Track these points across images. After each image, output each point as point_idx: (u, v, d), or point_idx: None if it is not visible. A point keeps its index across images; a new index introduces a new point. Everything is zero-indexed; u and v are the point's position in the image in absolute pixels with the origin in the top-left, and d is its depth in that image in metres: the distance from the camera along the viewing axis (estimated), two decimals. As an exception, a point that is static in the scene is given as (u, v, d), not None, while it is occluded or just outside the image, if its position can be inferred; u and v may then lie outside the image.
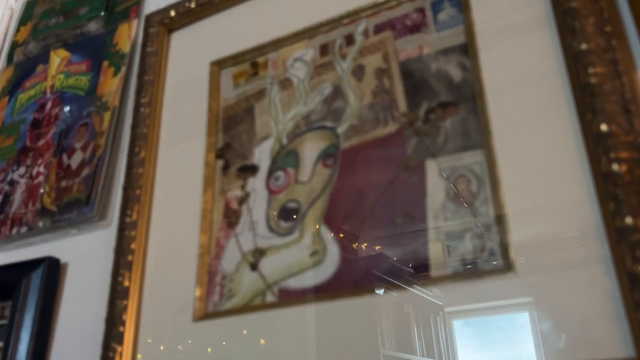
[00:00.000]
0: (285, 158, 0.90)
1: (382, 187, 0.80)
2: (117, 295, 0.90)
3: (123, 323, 0.88)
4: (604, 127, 0.64)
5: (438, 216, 0.74)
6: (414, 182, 0.78)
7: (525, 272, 0.65)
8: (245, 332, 0.80)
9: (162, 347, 0.86)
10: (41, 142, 1.25)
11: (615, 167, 0.62)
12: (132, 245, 0.94)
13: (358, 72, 0.89)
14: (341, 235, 0.80)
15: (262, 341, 0.78)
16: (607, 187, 0.62)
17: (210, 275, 0.87)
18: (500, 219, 0.69)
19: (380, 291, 0.72)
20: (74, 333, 0.97)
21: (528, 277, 0.65)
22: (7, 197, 1.21)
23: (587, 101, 0.66)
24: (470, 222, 0.71)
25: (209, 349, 0.82)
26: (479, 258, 0.69)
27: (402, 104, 0.83)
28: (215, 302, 0.85)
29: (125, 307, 0.89)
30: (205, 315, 0.85)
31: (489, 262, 0.68)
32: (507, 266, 0.66)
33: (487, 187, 0.72)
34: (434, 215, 0.74)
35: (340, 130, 0.87)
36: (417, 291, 0.71)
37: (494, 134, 0.73)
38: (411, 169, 0.79)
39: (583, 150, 0.66)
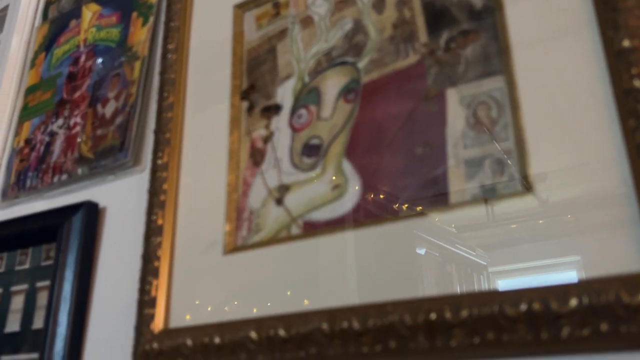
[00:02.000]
0: (307, 96, 0.91)
1: (403, 118, 0.80)
2: (152, 233, 0.94)
3: (158, 258, 0.92)
4: (626, 42, 0.62)
5: (457, 144, 0.74)
6: (434, 112, 0.77)
7: (544, 196, 0.65)
8: (273, 263, 0.83)
9: (194, 280, 0.90)
10: (77, 94, 1.29)
11: (636, 83, 0.60)
12: (165, 186, 0.97)
13: (378, 5, 0.88)
14: (362, 168, 0.80)
15: (288, 272, 0.81)
16: (627, 104, 0.60)
17: (238, 212, 0.90)
18: (520, 143, 0.68)
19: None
20: (113, 270, 1.02)
21: (548, 201, 0.65)
22: (48, 147, 1.26)
23: (609, 17, 0.64)
24: (490, 147, 0.71)
25: (238, 280, 0.85)
26: (499, 183, 0.68)
27: (422, 34, 0.82)
28: (243, 237, 0.88)
29: (159, 244, 0.93)
30: (234, 248, 0.88)
31: (508, 186, 0.68)
32: (527, 188, 0.66)
33: (507, 112, 0.71)
34: (454, 143, 0.74)
35: (361, 64, 0.86)
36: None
37: (514, 58, 0.72)
38: (431, 99, 0.78)
39: (605, 69, 0.65)
